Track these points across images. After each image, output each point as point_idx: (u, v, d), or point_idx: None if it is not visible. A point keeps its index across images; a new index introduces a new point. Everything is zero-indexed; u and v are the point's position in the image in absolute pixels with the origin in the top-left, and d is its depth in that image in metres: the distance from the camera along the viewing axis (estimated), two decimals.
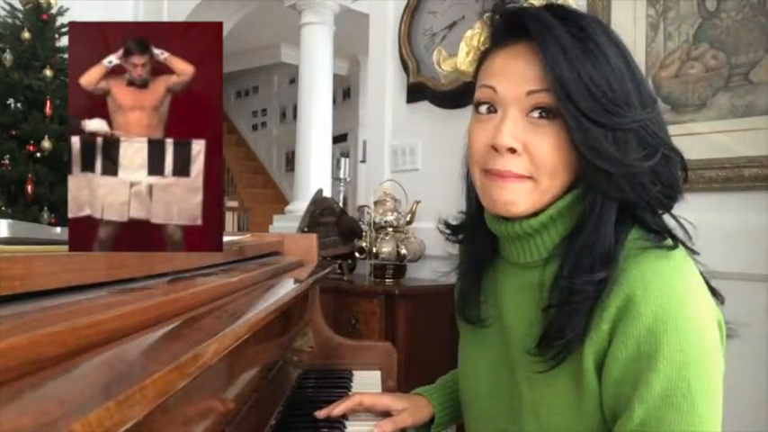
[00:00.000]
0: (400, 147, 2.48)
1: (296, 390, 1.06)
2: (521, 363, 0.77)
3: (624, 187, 0.70)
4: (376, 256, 2.19)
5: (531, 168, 0.72)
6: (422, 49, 2.37)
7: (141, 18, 4.82)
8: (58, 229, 0.60)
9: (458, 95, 2.25)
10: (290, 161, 7.64)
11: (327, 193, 2.82)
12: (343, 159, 3.34)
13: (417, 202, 2.23)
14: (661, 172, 0.72)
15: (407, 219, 2.22)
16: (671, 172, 0.73)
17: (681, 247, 0.72)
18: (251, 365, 0.79)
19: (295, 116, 3.90)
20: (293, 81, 7.12)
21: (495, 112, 0.75)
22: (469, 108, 0.78)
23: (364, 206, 2.39)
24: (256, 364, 0.82)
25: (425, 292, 2.10)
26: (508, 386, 0.79)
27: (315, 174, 3.36)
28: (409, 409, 0.93)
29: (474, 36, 0.81)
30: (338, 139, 6.08)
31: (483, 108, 0.76)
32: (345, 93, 7.15)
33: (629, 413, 0.66)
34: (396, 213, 2.24)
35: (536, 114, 0.72)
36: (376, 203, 2.28)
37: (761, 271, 1.42)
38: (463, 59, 0.82)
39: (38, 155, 3.48)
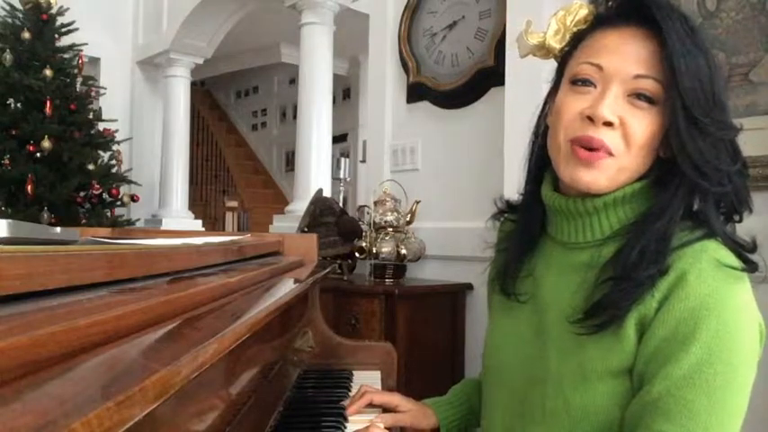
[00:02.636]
0: (400, 147, 2.48)
1: (296, 390, 1.06)
2: (554, 333, 0.78)
3: (705, 181, 0.72)
4: (376, 256, 2.19)
5: (621, 145, 0.73)
6: (422, 49, 2.37)
7: (141, 18, 4.81)
8: (58, 229, 0.59)
9: (458, 95, 2.25)
10: (290, 161, 7.64)
11: (327, 193, 2.82)
12: (343, 159, 3.34)
13: (417, 202, 2.23)
14: (736, 180, 0.74)
15: (407, 219, 2.22)
16: (744, 183, 0.76)
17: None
18: (251, 365, 0.79)
19: (295, 116, 3.89)
20: (293, 81, 7.11)
21: (592, 86, 0.75)
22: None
23: (364, 206, 2.39)
24: (256, 364, 0.82)
25: (425, 292, 2.10)
26: (536, 358, 0.79)
27: (315, 174, 3.35)
28: (413, 412, 0.96)
29: (567, 16, 0.82)
30: (338, 139, 6.07)
31: (579, 82, 0.77)
32: (345, 93, 7.14)
33: (650, 387, 0.67)
34: (396, 213, 2.24)
35: (635, 97, 0.73)
36: (376, 203, 2.28)
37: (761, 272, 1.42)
38: (552, 36, 0.83)
39: (38, 155, 3.47)
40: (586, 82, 0.76)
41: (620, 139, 0.73)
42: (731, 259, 0.70)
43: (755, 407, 0.69)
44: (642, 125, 0.73)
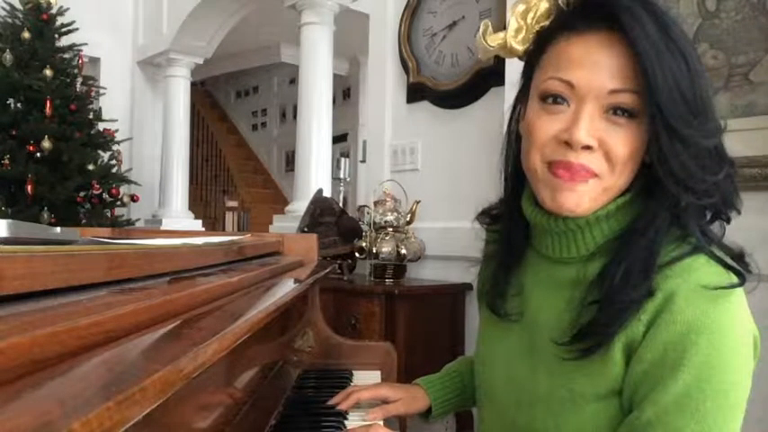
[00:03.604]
0: (400, 147, 2.48)
1: (296, 390, 1.06)
2: (543, 354, 0.75)
3: (690, 195, 0.68)
4: (376, 256, 2.19)
5: (603, 166, 0.69)
6: (422, 49, 2.37)
7: (141, 18, 4.81)
8: (58, 229, 0.59)
9: (458, 95, 2.25)
10: (290, 161, 7.64)
11: (327, 193, 2.82)
12: (343, 159, 3.34)
13: (417, 202, 2.23)
14: (723, 186, 0.70)
15: (407, 219, 2.22)
16: (732, 185, 0.71)
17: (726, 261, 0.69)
18: (251, 365, 0.79)
19: (295, 116, 3.89)
20: (293, 81, 7.12)
21: (564, 104, 0.71)
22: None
23: (364, 206, 2.39)
24: (256, 364, 0.82)
25: (425, 292, 2.10)
26: (524, 377, 0.78)
27: (315, 174, 3.35)
28: (404, 399, 0.96)
29: (528, 12, 0.77)
30: (338, 139, 6.08)
31: (549, 99, 0.71)
32: (345, 93, 7.14)
33: (639, 412, 0.65)
34: (396, 213, 2.24)
35: (612, 112, 0.69)
36: (376, 203, 2.28)
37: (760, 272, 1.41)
38: (513, 36, 0.78)
39: (38, 155, 3.47)
40: (557, 99, 0.70)
41: (602, 161, 0.69)
42: (721, 277, 0.66)
43: (751, 415, 0.68)
44: (623, 142, 0.68)
